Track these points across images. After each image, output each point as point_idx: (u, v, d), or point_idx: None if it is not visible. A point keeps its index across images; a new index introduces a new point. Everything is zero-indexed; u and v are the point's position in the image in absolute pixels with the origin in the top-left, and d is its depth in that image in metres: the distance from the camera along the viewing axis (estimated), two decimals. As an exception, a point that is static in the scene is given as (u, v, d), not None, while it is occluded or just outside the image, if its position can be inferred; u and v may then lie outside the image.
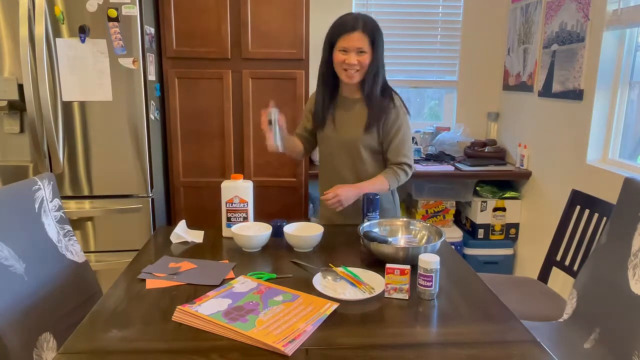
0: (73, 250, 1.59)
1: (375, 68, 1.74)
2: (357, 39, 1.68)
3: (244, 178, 1.75)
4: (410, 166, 1.84)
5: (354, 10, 3.20)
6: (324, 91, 1.83)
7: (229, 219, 1.71)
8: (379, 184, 1.78)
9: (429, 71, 3.35)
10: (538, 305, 1.88)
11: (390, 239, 1.59)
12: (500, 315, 1.20)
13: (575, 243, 1.97)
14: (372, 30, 1.70)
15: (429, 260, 1.24)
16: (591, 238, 1.89)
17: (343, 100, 1.85)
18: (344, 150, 1.85)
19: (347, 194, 1.72)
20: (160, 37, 2.55)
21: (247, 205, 1.70)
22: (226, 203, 1.70)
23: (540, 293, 1.97)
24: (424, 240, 1.61)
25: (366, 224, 1.62)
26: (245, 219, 1.71)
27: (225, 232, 1.72)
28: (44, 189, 1.52)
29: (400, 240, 1.64)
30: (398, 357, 1.01)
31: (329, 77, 1.81)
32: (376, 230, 1.63)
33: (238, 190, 1.69)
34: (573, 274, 1.93)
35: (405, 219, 1.69)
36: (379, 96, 1.79)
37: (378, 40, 1.72)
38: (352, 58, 1.70)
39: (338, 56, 1.72)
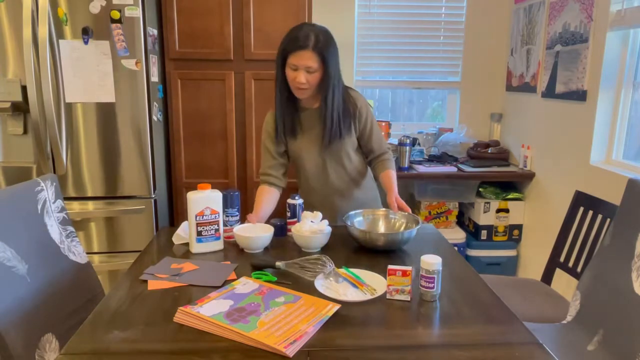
0: (75, 251, 1.59)
1: (328, 84, 1.71)
2: (307, 58, 1.64)
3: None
4: (390, 150, 1.96)
5: (356, 12, 3.20)
6: (287, 104, 1.79)
7: (199, 234, 1.57)
8: (394, 178, 1.85)
9: (431, 72, 3.35)
10: (541, 307, 1.87)
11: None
12: (503, 316, 1.19)
13: (578, 244, 1.96)
14: (322, 49, 1.64)
15: (431, 262, 1.24)
16: (595, 239, 1.89)
17: (303, 110, 1.84)
18: (324, 156, 1.85)
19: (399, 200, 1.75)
20: (163, 39, 2.56)
21: (218, 216, 1.59)
22: (196, 216, 1.55)
23: (544, 295, 1.96)
24: (402, 228, 1.72)
25: (352, 213, 1.74)
26: (217, 231, 1.59)
27: (196, 248, 1.58)
28: (47, 190, 1.53)
29: (381, 228, 1.76)
30: (400, 359, 1.01)
31: (286, 90, 1.77)
32: (359, 219, 1.74)
33: (209, 201, 1.56)
34: (576, 276, 1.93)
35: (385, 209, 1.78)
36: (340, 107, 1.77)
37: (329, 58, 1.67)
38: (301, 77, 1.66)
39: (289, 73, 1.69)
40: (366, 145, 1.90)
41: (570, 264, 1.98)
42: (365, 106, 1.85)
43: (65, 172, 2.34)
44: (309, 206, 1.95)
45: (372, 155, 1.92)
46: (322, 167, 1.88)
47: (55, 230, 1.52)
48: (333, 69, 1.70)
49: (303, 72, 1.67)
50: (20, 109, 2.27)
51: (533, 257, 2.96)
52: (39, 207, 1.48)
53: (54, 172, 2.32)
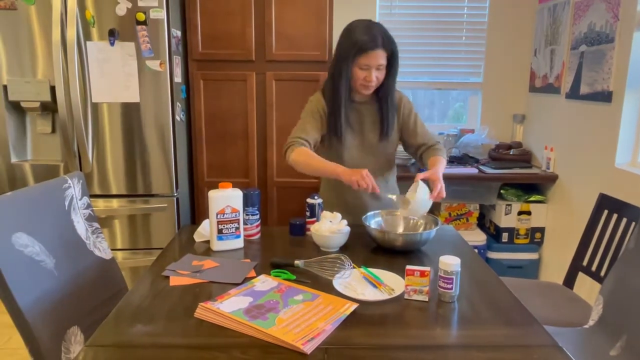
0: (100, 247, 1.63)
1: (394, 76, 1.77)
2: (379, 57, 1.68)
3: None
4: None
5: (377, 12, 3.19)
6: (343, 102, 1.77)
7: (220, 232, 1.58)
8: (444, 165, 1.76)
9: (453, 73, 3.32)
10: (563, 311, 1.85)
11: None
12: (522, 319, 1.18)
13: (602, 248, 1.93)
14: (390, 45, 1.70)
15: (450, 263, 1.24)
16: (619, 243, 1.85)
17: (354, 104, 1.84)
18: (367, 151, 1.86)
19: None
20: (187, 40, 2.60)
21: (239, 214, 1.60)
22: (217, 214, 1.56)
23: (566, 298, 1.94)
24: (421, 229, 1.72)
25: (370, 213, 1.74)
26: (237, 229, 1.61)
27: (216, 245, 1.60)
28: (74, 187, 1.57)
29: (399, 229, 1.76)
30: (417, 359, 1.01)
31: (346, 89, 1.76)
32: (378, 219, 1.75)
33: (229, 199, 1.57)
34: (599, 280, 1.89)
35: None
36: (393, 98, 1.82)
37: (396, 51, 1.72)
38: (372, 75, 1.70)
39: (358, 72, 1.71)
40: (415, 137, 1.87)
41: (594, 268, 1.95)
42: (408, 100, 1.89)
43: (90, 170, 2.40)
44: (340, 203, 1.91)
45: (424, 147, 1.87)
46: (362, 164, 1.86)
47: (81, 227, 1.57)
48: (397, 63, 1.75)
49: (374, 70, 1.70)
50: (48, 108, 2.34)
51: (555, 261, 2.91)
52: (66, 203, 1.52)
53: (81, 170, 2.38)
